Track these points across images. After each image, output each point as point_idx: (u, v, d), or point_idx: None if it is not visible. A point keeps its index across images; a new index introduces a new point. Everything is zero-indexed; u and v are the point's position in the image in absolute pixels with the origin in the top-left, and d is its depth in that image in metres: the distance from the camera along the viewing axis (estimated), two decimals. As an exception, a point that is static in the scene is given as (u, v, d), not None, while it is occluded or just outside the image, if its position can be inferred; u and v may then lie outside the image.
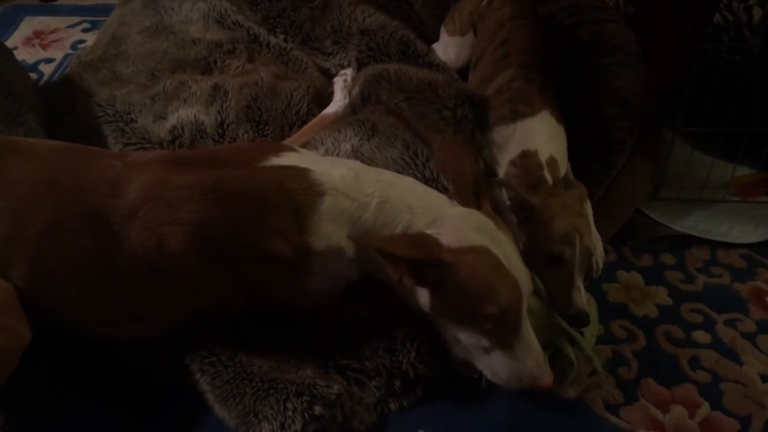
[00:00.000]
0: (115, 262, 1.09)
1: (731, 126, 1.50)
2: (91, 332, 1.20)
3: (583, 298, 1.22)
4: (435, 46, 1.84)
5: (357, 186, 1.13)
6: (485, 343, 1.09)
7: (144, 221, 1.08)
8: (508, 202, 1.33)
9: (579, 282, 1.23)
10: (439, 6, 1.99)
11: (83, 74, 1.74)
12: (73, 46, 2.30)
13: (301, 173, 1.13)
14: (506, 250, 1.10)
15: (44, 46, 2.33)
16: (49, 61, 2.23)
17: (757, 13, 1.64)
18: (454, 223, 1.11)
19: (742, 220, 1.57)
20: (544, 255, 1.25)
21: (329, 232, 1.12)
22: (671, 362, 1.31)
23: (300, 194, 1.11)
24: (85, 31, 2.40)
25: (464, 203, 1.16)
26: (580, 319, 1.21)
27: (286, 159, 1.16)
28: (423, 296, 1.11)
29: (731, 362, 1.31)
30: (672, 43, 1.44)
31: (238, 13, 1.87)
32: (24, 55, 2.26)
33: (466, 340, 1.11)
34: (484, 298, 1.06)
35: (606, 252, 1.47)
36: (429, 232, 1.09)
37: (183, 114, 1.58)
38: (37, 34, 2.40)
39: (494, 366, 1.11)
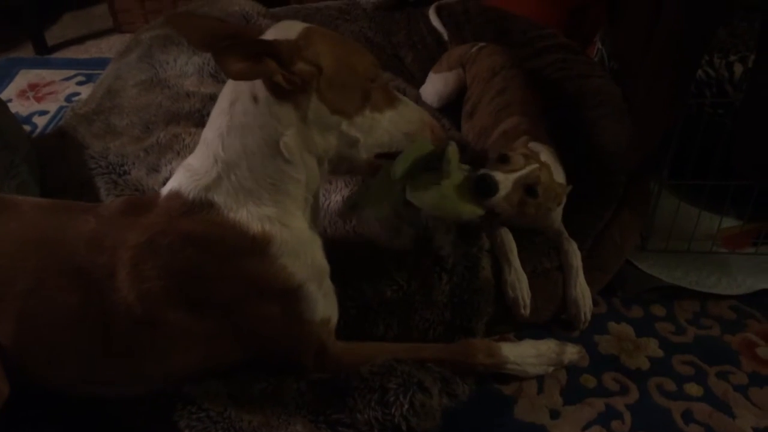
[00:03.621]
0: (103, 319, 1.08)
1: (716, 178, 1.52)
2: (77, 391, 1.18)
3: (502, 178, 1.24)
4: (421, 89, 1.89)
5: (202, 169, 1.10)
6: (378, 115, 1.13)
7: (123, 278, 1.07)
8: None
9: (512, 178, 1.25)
10: (428, 60, 2.03)
11: (77, 126, 1.75)
12: (68, 99, 2.33)
13: (183, 200, 1.10)
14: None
15: (38, 98, 2.35)
16: (43, 113, 2.26)
17: (738, 69, 1.68)
18: (270, 33, 1.09)
19: (730, 271, 1.58)
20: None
21: (247, 214, 1.09)
22: (664, 415, 1.30)
23: (203, 214, 1.09)
24: (80, 84, 2.43)
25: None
26: (485, 182, 1.22)
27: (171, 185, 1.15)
28: (317, 109, 1.07)
29: (724, 415, 1.30)
30: (656, 98, 1.47)
31: (232, 68, 1.90)
32: (18, 107, 2.29)
33: (363, 125, 1.12)
34: (356, 60, 1.10)
35: (596, 303, 1.48)
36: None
37: (176, 166, 1.58)
38: (32, 86, 2.43)
39: (394, 128, 1.16)
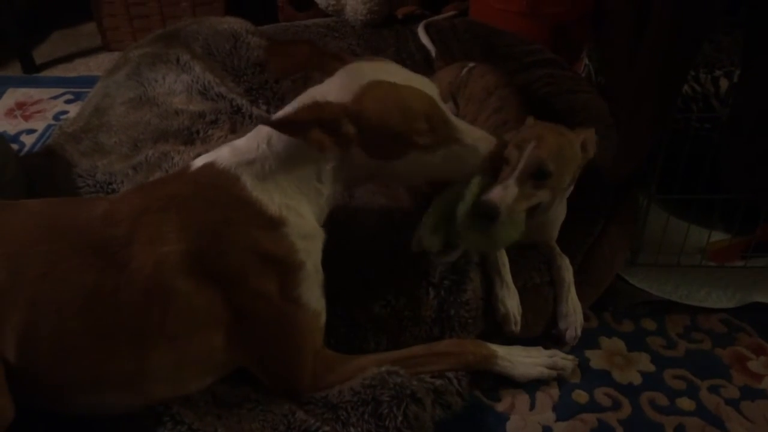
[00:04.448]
0: (116, 298, 1.09)
1: (704, 192, 1.53)
2: (75, 403, 1.16)
3: (501, 193, 1.19)
4: None
5: (244, 149, 1.20)
6: (434, 154, 1.19)
7: (143, 243, 1.11)
8: None
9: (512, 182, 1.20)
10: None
11: (65, 145, 1.75)
12: (56, 117, 2.32)
13: (214, 170, 1.19)
14: (390, 70, 1.20)
15: (26, 117, 2.34)
16: (30, 132, 2.25)
17: (724, 83, 1.71)
18: (334, 83, 1.19)
19: (720, 285, 1.58)
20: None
21: (269, 198, 1.17)
22: (657, 430, 1.30)
23: (230, 185, 1.17)
24: (68, 102, 2.42)
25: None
26: (485, 209, 1.18)
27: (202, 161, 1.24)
28: (357, 156, 1.19)
29: (717, 429, 1.30)
30: (643, 112, 1.48)
31: (221, 85, 1.90)
32: (5, 126, 2.28)
33: (406, 165, 1.19)
34: (403, 119, 1.15)
35: (587, 318, 1.48)
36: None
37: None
38: (20, 105, 2.42)
39: (447, 164, 1.20)
